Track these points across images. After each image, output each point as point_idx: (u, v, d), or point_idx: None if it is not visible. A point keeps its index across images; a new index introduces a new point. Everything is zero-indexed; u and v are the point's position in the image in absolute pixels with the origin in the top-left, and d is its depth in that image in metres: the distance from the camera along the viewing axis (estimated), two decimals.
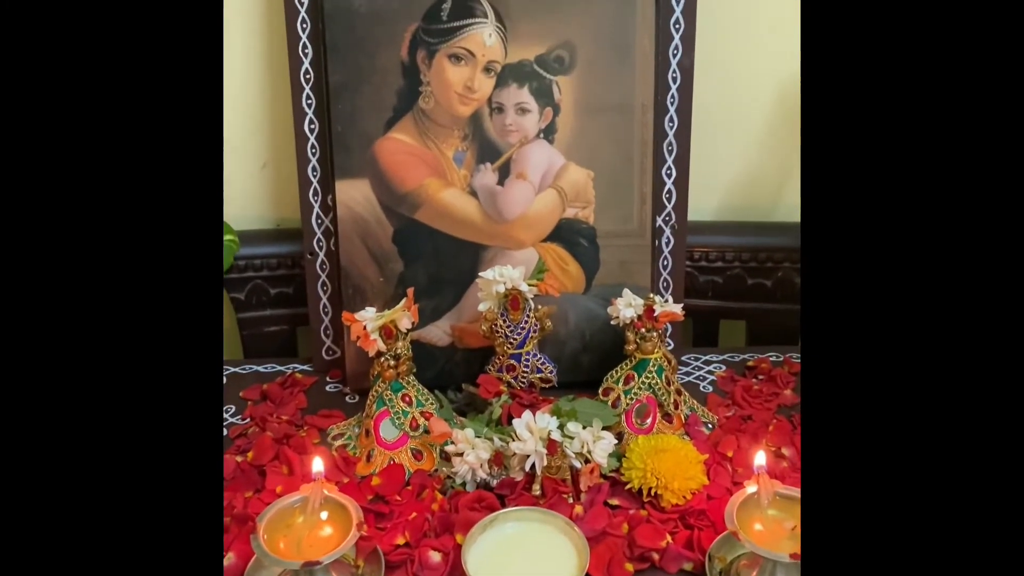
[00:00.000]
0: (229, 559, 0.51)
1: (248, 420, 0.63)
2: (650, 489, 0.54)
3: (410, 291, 0.58)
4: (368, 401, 0.59)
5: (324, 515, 0.49)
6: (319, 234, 0.67)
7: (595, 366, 0.64)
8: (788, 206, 0.74)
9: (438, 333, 0.66)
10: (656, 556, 0.51)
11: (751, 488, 0.50)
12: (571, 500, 0.54)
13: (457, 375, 0.65)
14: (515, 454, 0.55)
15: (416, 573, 0.50)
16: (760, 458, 0.50)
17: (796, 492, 0.50)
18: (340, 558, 0.49)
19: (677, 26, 0.63)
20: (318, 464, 0.51)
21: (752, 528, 0.48)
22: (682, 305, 0.60)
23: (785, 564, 0.47)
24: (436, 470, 0.57)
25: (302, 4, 0.62)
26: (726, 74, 0.69)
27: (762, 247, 0.73)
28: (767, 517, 0.49)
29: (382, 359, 0.57)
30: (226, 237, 0.65)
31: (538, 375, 0.62)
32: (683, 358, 0.70)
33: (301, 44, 0.63)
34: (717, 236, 0.73)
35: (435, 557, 0.51)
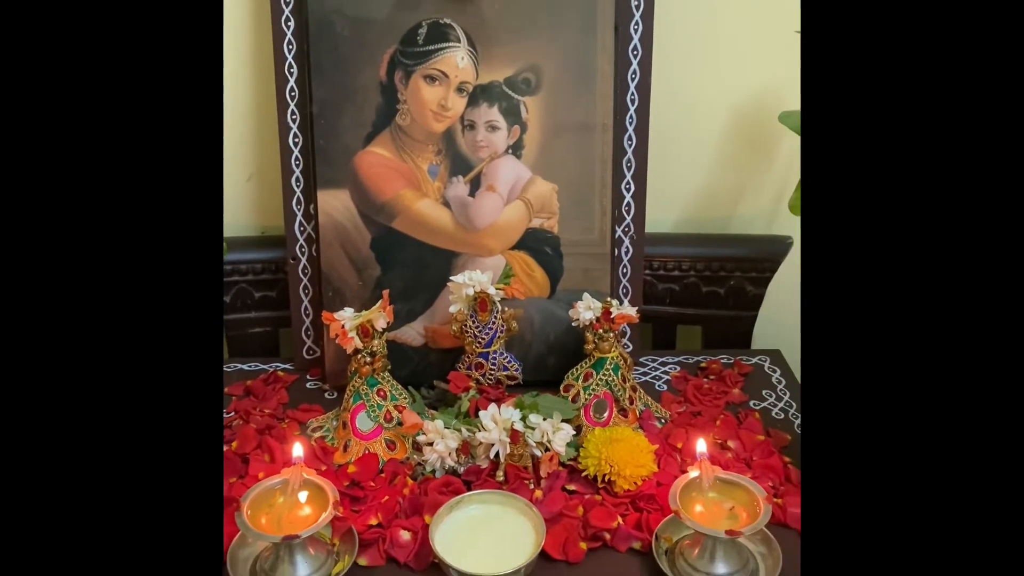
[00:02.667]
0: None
1: (232, 414, 0.67)
2: (604, 476, 0.59)
3: (385, 293, 0.62)
4: (345, 395, 0.63)
5: (303, 496, 0.54)
6: (302, 240, 0.71)
7: (559, 366, 0.69)
8: (741, 219, 0.80)
9: (412, 334, 0.70)
10: (608, 536, 0.55)
11: (694, 473, 0.55)
12: (531, 485, 0.59)
13: (430, 374, 0.69)
14: (481, 443, 0.60)
15: (387, 551, 0.54)
16: (701, 445, 0.55)
17: (735, 476, 0.55)
18: (317, 536, 0.53)
19: (635, 52, 0.68)
20: (298, 449, 0.55)
21: (694, 509, 0.53)
22: (637, 308, 0.65)
23: (723, 541, 0.52)
24: (408, 458, 0.62)
25: (288, 26, 0.67)
26: (682, 97, 0.74)
27: (716, 257, 0.78)
28: (708, 499, 0.54)
29: (359, 356, 0.62)
30: None
31: (504, 373, 0.67)
32: (641, 359, 0.75)
33: (287, 64, 0.68)
34: (675, 247, 0.78)
35: (405, 536, 0.55)
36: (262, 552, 0.53)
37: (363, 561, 0.54)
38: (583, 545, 0.55)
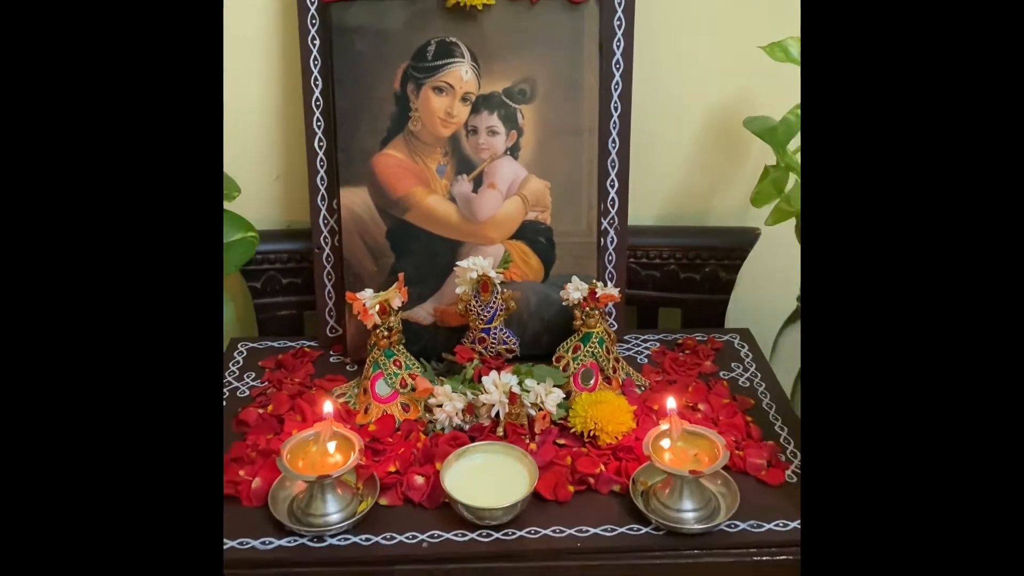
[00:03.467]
0: (256, 483, 0.64)
1: (267, 383, 0.77)
2: (589, 432, 0.68)
3: (400, 276, 0.72)
4: (366, 365, 0.73)
5: (332, 446, 0.63)
6: (325, 232, 0.81)
7: (552, 342, 0.78)
8: (715, 213, 0.89)
9: (423, 314, 0.80)
10: (592, 480, 0.65)
11: (664, 425, 0.64)
12: (527, 439, 0.68)
13: (439, 348, 0.78)
14: (484, 404, 0.69)
15: (404, 492, 0.64)
16: (671, 402, 0.65)
17: (699, 429, 0.64)
18: (344, 479, 0.63)
19: (617, 66, 0.78)
20: (328, 406, 0.65)
21: (664, 455, 0.63)
22: (619, 289, 0.75)
23: (689, 481, 0.61)
24: (420, 418, 0.71)
25: (314, 44, 0.77)
26: (661, 105, 0.83)
27: (692, 247, 0.87)
28: (676, 447, 0.63)
29: (377, 331, 0.71)
30: (249, 234, 0.79)
31: (504, 346, 0.76)
32: (625, 337, 0.84)
33: (313, 77, 0.77)
34: (656, 238, 0.88)
35: (419, 480, 0.64)
36: (298, 493, 0.63)
37: (383, 501, 0.63)
38: (571, 488, 0.64)
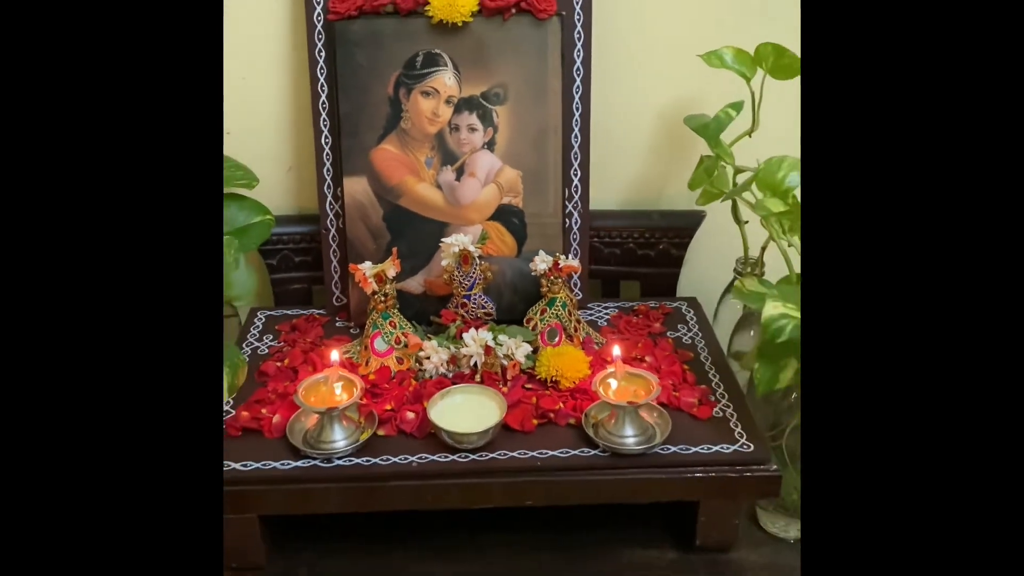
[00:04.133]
0: (276, 419, 0.78)
1: (283, 343, 0.91)
2: (552, 378, 0.82)
3: (395, 250, 0.85)
4: (366, 326, 0.86)
5: (339, 386, 0.77)
6: (331, 216, 0.94)
7: (524, 309, 0.91)
8: (667, 198, 1.02)
9: (414, 285, 0.93)
10: (552, 415, 0.78)
11: (610, 369, 0.78)
12: (500, 384, 0.82)
13: (428, 313, 0.92)
14: (464, 356, 0.83)
15: (398, 425, 0.77)
16: (616, 350, 0.78)
17: (638, 371, 0.78)
18: (348, 414, 0.76)
19: (578, 72, 0.91)
20: (335, 355, 0.78)
21: (609, 391, 0.76)
22: (578, 260, 0.88)
23: (628, 411, 0.74)
24: (411, 368, 0.85)
25: (320, 55, 0.90)
26: (618, 105, 0.96)
27: (648, 228, 1.00)
28: (620, 387, 0.77)
29: (375, 296, 0.85)
30: (266, 217, 0.92)
31: (482, 311, 0.90)
32: (589, 305, 0.98)
33: (320, 84, 0.91)
34: (617, 220, 1.01)
35: (410, 415, 0.78)
36: (310, 426, 0.76)
37: (381, 432, 0.76)
38: (535, 421, 0.77)
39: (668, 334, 0.92)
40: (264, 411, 0.79)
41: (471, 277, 0.88)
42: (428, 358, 0.83)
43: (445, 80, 0.89)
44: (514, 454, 0.74)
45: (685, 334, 0.93)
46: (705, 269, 1.02)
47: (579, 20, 0.90)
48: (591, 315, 0.96)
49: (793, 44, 0.83)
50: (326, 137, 0.92)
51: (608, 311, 0.97)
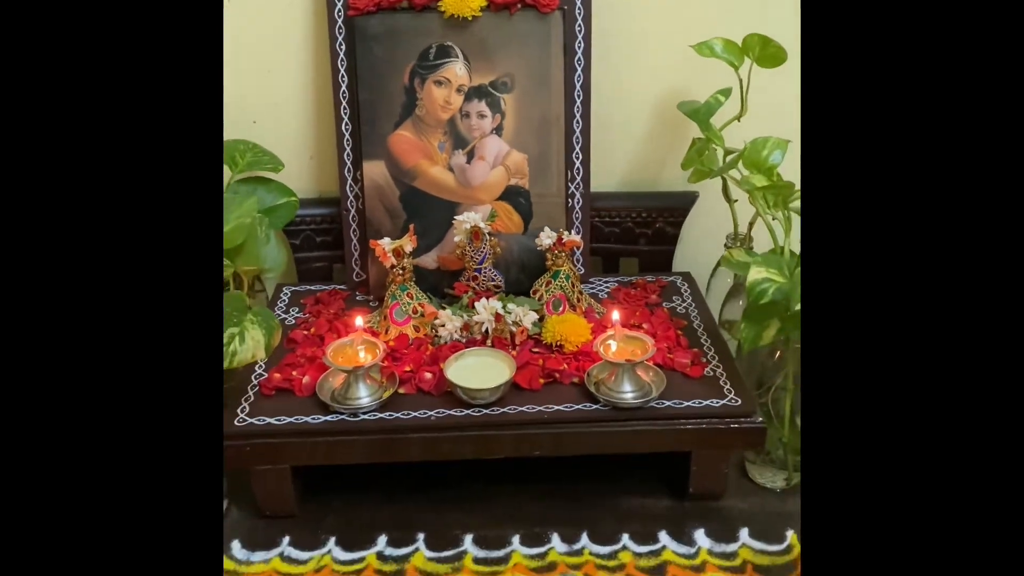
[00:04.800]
0: (306, 380, 0.85)
1: (307, 315, 0.98)
2: (557, 342, 0.89)
3: (412, 226, 0.93)
4: (385, 297, 0.94)
5: (362, 351, 0.84)
6: (351, 197, 1.02)
7: (530, 283, 0.99)
8: (663, 180, 1.09)
9: (429, 261, 1.00)
10: (557, 375, 0.85)
11: (610, 331, 0.85)
12: (510, 348, 0.89)
13: (442, 287, 0.99)
14: (476, 323, 0.90)
15: (417, 384, 0.85)
16: (615, 315, 0.86)
17: (635, 333, 0.85)
18: (371, 374, 0.84)
19: (579, 62, 0.98)
20: (359, 320, 0.86)
21: (609, 351, 0.84)
22: (580, 236, 0.96)
23: (626, 368, 0.81)
24: (427, 335, 0.92)
25: (341, 48, 0.98)
26: (616, 93, 1.04)
27: (645, 208, 1.07)
28: (619, 348, 0.84)
29: (394, 270, 0.92)
30: (291, 199, 0.99)
31: (492, 283, 0.97)
32: (591, 280, 1.05)
33: (340, 75, 0.98)
34: (616, 201, 1.08)
35: (428, 375, 0.85)
36: (337, 385, 0.84)
37: (401, 390, 0.84)
38: (541, 380, 0.85)
39: (664, 305, 1.00)
40: (295, 373, 0.86)
41: (482, 252, 0.95)
42: (443, 325, 0.91)
43: (456, 70, 0.96)
44: (523, 409, 0.82)
45: (679, 305, 1.00)
46: (698, 246, 1.10)
47: (580, 14, 0.97)
48: (592, 289, 1.03)
49: (778, 35, 0.91)
50: (346, 124, 1.00)
51: (608, 285, 1.04)
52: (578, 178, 1.02)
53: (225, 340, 0.74)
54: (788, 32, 0.90)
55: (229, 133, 1.00)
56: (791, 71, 0.87)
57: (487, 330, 0.90)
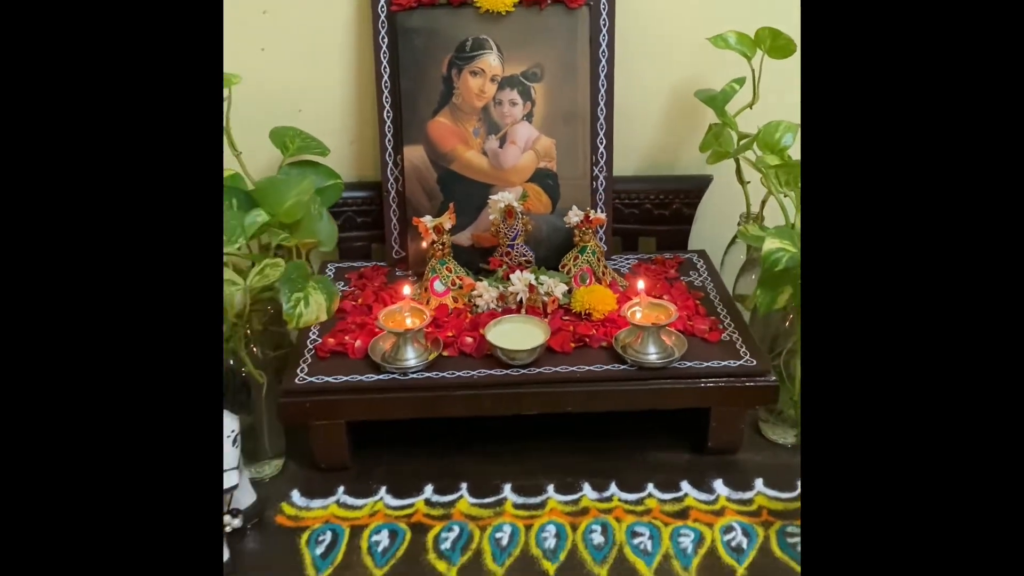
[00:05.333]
0: (358, 343, 0.93)
1: (353, 288, 1.06)
2: (585, 311, 0.97)
3: (451, 205, 1.01)
4: (426, 271, 1.01)
5: (409, 316, 0.92)
6: (391, 179, 1.09)
7: (559, 259, 1.07)
8: (679, 164, 1.17)
9: (464, 238, 1.08)
10: (587, 339, 0.93)
11: (636, 299, 0.93)
12: (543, 317, 0.97)
13: (475, 263, 1.07)
14: (511, 293, 0.98)
15: (459, 348, 0.93)
16: (640, 284, 0.94)
17: (659, 301, 0.93)
18: (418, 338, 0.91)
19: (603, 53, 1.06)
20: (407, 289, 0.94)
21: (635, 316, 0.91)
22: (605, 215, 1.04)
23: (651, 331, 0.89)
24: (465, 305, 1.00)
25: (383, 41, 1.05)
26: (638, 83, 1.12)
27: (663, 190, 1.15)
28: (644, 313, 0.92)
29: (434, 245, 1.00)
30: (336, 181, 1.06)
31: (524, 258, 1.05)
32: (612, 257, 1.13)
33: (383, 66, 1.06)
34: (636, 184, 1.16)
35: (469, 339, 0.93)
36: (387, 348, 0.92)
37: (445, 353, 0.92)
38: (572, 344, 0.93)
39: (681, 279, 1.07)
40: (347, 338, 0.94)
41: (515, 229, 1.03)
42: (480, 296, 0.99)
43: (490, 61, 1.04)
44: (556, 369, 0.89)
45: (696, 279, 1.08)
46: (712, 225, 1.17)
47: (604, 9, 1.05)
48: (615, 265, 1.11)
49: (788, 28, 0.98)
50: (387, 112, 1.08)
51: (629, 262, 1.12)
52: (601, 162, 1.10)
53: (291, 304, 0.81)
54: (797, 25, 0.97)
55: (276, 121, 1.07)
56: (799, 61, 0.95)
57: (521, 300, 0.98)
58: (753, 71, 1.02)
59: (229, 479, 0.72)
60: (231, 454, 0.72)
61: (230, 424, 0.73)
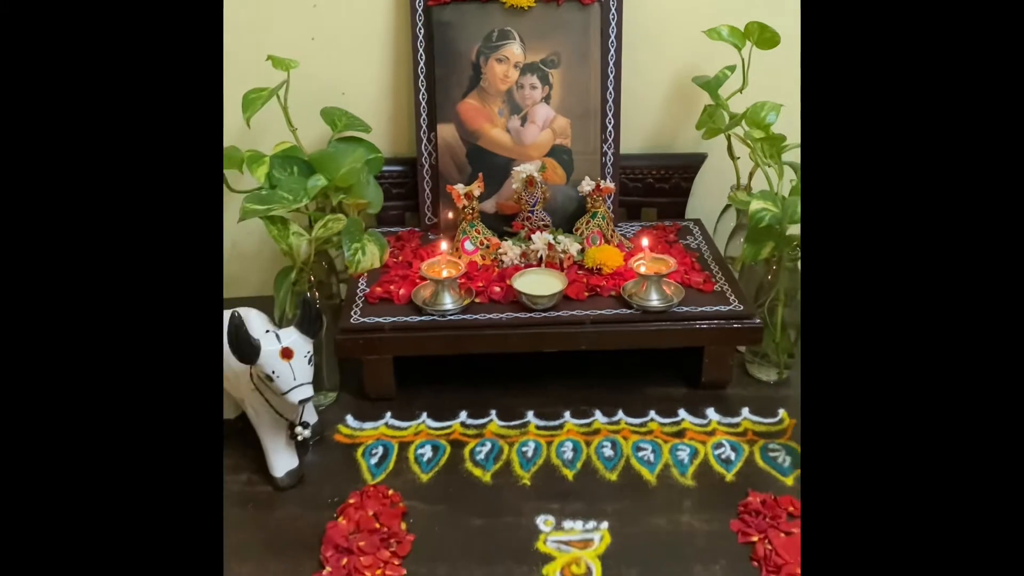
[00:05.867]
0: (401, 291, 1.08)
1: (393, 247, 1.21)
2: (596, 267, 1.13)
3: (480, 175, 1.16)
4: (457, 232, 1.17)
5: (446, 268, 1.07)
6: (425, 154, 1.24)
7: (572, 225, 1.22)
8: (678, 143, 1.32)
9: (488, 205, 1.23)
10: (598, 289, 1.09)
11: (641, 254, 1.08)
12: (560, 271, 1.12)
13: (498, 228, 1.22)
14: (533, 251, 1.13)
15: (489, 296, 1.08)
16: (644, 241, 1.09)
17: (660, 255, 1.08)
18: (453, 286, 1.06)
19: (612, 44, 1.21)
20: (444, 244, 1.09)
21: (640, 268, 1.07)
22: (615, 185, 1.19)
23: (654, 280, 1.05)
24: (492, 261, 1.15)
25: (419, 32, 1.20)
26: (642, 70, 1.27)
27: (663, 166, 1.30)
28: (648, 265, 1.07)
29: (465, 209, 1.15)
30: (378, 155, 1.21)
31: (542, 222, 1.19)
32: (619, 224, 1.28)
33: (419, 54, 1.21)
34: (640, 161, 1.31)
35: (497, 289, 1.08)
36: (427, 295, 1.07)
37: (477, 300, 1.07)
38: (586, 293, 1.08)
39: (680, 242, 1.23)
40: (391, 287, 1.09)
41: (535, 196, 1.18)
42: (505, 254, 1.14)
43: (514, 50, 1.19)
44: (572, 312, 1.05)
45: (692, 242, 1.23)
46: (707, 197, 1.33)
47: (614, 5, 1.20)
48: (620, 231, 1.26)
49: (774, 22, 1.13)
50: (423, 94, 1.23)
51: (633, 228, 1.27)
52: (610, 139, 1.25)
53: (352, 252, 0.97)
54: (782, 19, 1.13)
55: (324, 102, 1.22)
56: (783, 51, 1.10)
57: (541, 257, 1.13)
58: (743, 60, 1.17)
59: (305, 391, 0.87)
60: (307, 370, 0.87)
61: (305, 346, 0.88)
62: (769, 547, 0.84)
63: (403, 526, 0.88)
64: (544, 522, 0.88)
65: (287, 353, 0.86)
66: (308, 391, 0.87)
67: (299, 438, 0.92)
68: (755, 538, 0.85)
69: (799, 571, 0.81)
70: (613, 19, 1.20)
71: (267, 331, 0.88)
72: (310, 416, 0.97)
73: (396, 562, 0.83)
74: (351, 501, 0.90)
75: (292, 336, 0.87)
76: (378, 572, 0.81)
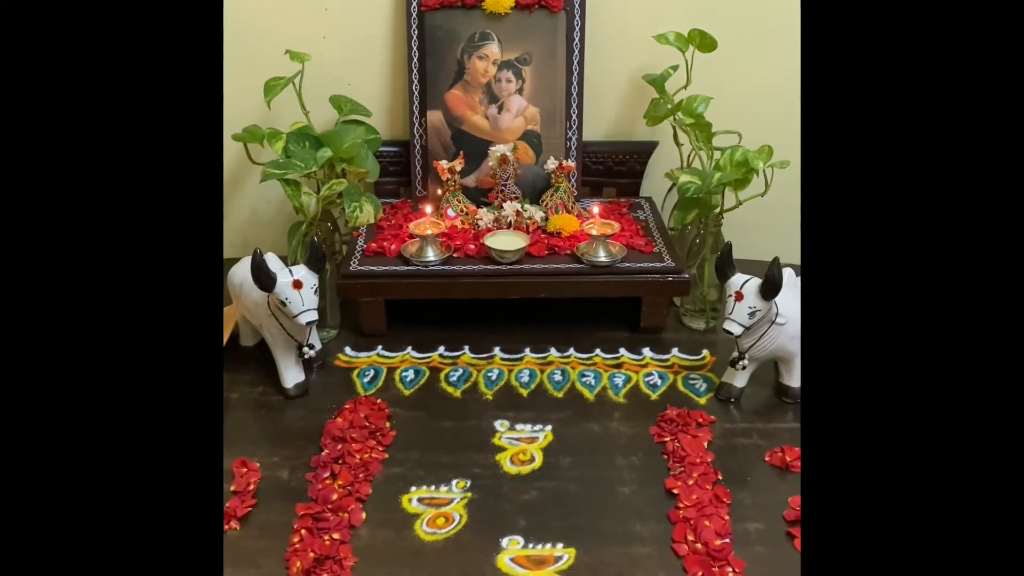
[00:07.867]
0: (393, 247, 1.30)
1: (387, 213, 1.43)
2: (556, 231, 1.34)
3: (462, 153, 1.38)
4: (439, 201, 1.39)
5: (429, 227, 1.29)
6: (417, 136, 1.46)
7: (538, 198, 1.44)
8: (634, 132, 1.53)
9: (469, 181, 1.45)
10: (556, 249, 1.30)
11: (591, 219, 1.30)
12: (526, 233, 1.34)
13: (477, 199, 1.44)
14: (504, 217, 1.35)
15: (465, 252, 1.29)
16: (595, 208, 1.31)
17: (607, 221, 1.30)
18: (435, 242, 1.28)
19: (576, 46, 1.43)
20: (428, 208, 1.31)
21: (591, 231, 1.28)
22: (575, 164, 1.41)
23: (601, 240, 1.26)
24: (470, 225, 1.37)
25: (413, 33, 1.43)
26: (603, 69, 1.48)
27: (621, 151, 1.51)
28: (598, 228, 1.29)
29: (448, 182, 1.37)
30: (377, 136, 1.43)
31: (513, 195, 1.41)
32: (582, 199, 1.50)
33: (413, 51, 1.43)
34: (601, 147, 1.52)
35: (472, 247, 1.30)
36: (414, 249, 1.29)
37: (455, 255, 1.29)
38: (546, 251, 1.30)
39: (631, 214, 1.45)
40: (385, 243, 1.31)
41: (507, 172, 1.40)
42: (481, 219, 1.36)
43: (493, 49, 1.41)
44: (534, 266, 1.27)
45: (642, 215, 1.45)
46: (657, 179, 1.55)
47: (578, 12, 1.42)
48: (583, 205, 1.48)
49: (712, 29, 1.35)
50: (416, 85, 1.45)
51: (594, 203, 1.49)
52: (574, 127, 1.47)
53: (352, 208, 1.19)
54: (719, 27, 1.35)
55: (332, 90, 1.44)
56: (720, 55, 1.32)
57: (510, 222, 1.35)
58: (687, 61, 1.39)
59: (312, 315, 1.08)
60: (313, 299, 1.09)
61: (312, 279, 1.09)
62: (677, 444, 1.05)
63: (387, 424, 1.09)
64: (500, 424, 1.10)
65: (297, 284, 1.08)
66: (314, 315, 1.09)
67: (306, 356, 1.14)
68: (668, 439, 1.07)
69: (697, 460, 1.02)
70: (577, 25, 1.43)
71: (281, 268, 1.10)
72: (315, 341, 1.19)
73: (380, 448, 1.05)
74: (347, 407, 1.12)
75: (302, 271, 1.09)
76: (365, 455, 1.03)
